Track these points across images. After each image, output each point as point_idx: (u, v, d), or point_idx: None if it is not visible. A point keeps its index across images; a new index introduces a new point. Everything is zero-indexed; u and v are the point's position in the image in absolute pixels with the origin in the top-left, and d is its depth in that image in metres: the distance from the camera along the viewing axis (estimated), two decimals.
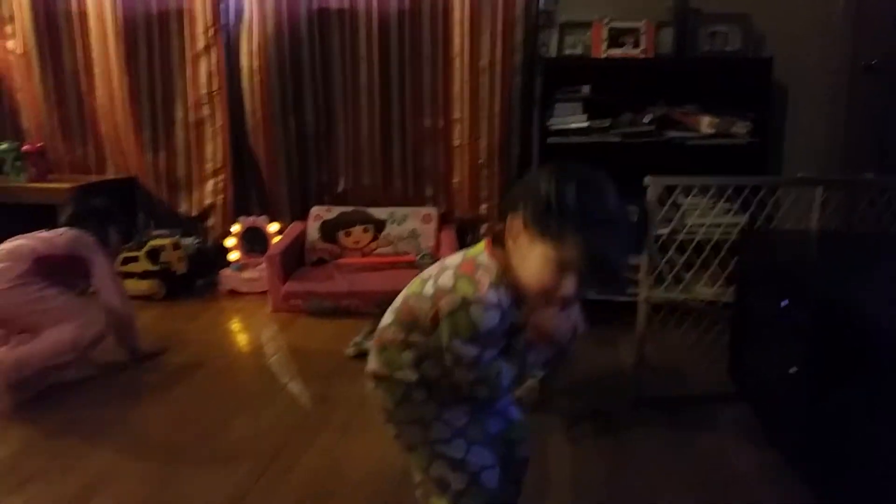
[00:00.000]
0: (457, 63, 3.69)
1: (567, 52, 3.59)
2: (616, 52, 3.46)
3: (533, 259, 1.17)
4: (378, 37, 3.74)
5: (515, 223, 1.19)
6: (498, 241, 1.24)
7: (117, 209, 2.90)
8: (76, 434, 2.23)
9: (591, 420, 2.36)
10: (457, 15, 3.63)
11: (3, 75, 4.10)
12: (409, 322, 1.31)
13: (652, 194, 2.34)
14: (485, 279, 1.21)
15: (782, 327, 1.97)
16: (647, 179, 2.33)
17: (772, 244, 2.27)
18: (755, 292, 2.26)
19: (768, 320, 2.13)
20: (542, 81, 3.53)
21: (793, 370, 1.85)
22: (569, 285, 1.15)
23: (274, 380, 2.71)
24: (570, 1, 3.57)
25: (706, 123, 3.28)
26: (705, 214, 2.71)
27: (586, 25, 3.52)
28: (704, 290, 2.49)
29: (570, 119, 3.35)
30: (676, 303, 2.52)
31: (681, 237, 2.49)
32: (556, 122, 3.35)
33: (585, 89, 3.38)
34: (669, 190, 2.44)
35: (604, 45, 3.46)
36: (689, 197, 2.56)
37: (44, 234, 2.63)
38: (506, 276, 1.22)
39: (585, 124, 3.34)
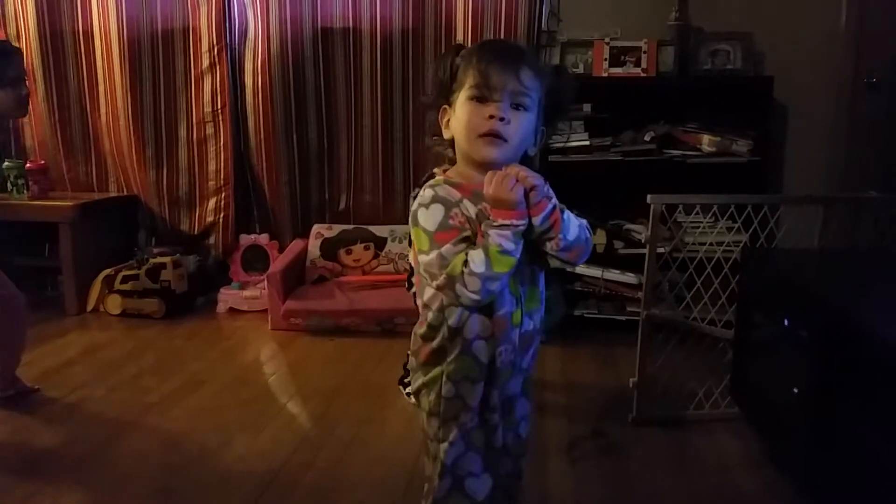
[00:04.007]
0: None
1: (569, 70, 3.60)
2: (617, 71, 3.47)
3: (458, 116, 1.28)
4: (381, 56, 3.75)
5: (440, 117, 1.36)
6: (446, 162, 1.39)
7: None
8: (71, 455, 2.21)
9: (592, 441, 2.34)
10: (459, 34, 3.65)
11: None
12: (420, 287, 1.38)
13: (653, 213, 2.35)
14: (427, 189, 1.29)
15: (784, 347, 1.95)
16: (649, 198, 2.34)
17: (773, 263, 2.27)
18: (757, 311, 2.25)
19: (770, 340, 2.12)
20: None
21: (795, 390, 1.84)
22: (491, 111, 1.24)
23: (273, 398, 2.70)
24: (572, 20, 3.57)
25: (707, 142, 3.29)
26: (706, 233, 2.70)
27: (588, 44, 3.53)
28: (705, 310, 2.48)
29: (572, 137, 3.36)
30: (677, 322, 2.50)
31: (682, 256, 2.48)
32: (557, 141, 3.35)
33: (587, 108, 3.38)
34: (670, 208, 2.44)
35: (605, 64, 3.48)
36: (691, 215, 2.56)
37: None
38: (451, 178, 1.32)
39: (587, 143, 3.35)
